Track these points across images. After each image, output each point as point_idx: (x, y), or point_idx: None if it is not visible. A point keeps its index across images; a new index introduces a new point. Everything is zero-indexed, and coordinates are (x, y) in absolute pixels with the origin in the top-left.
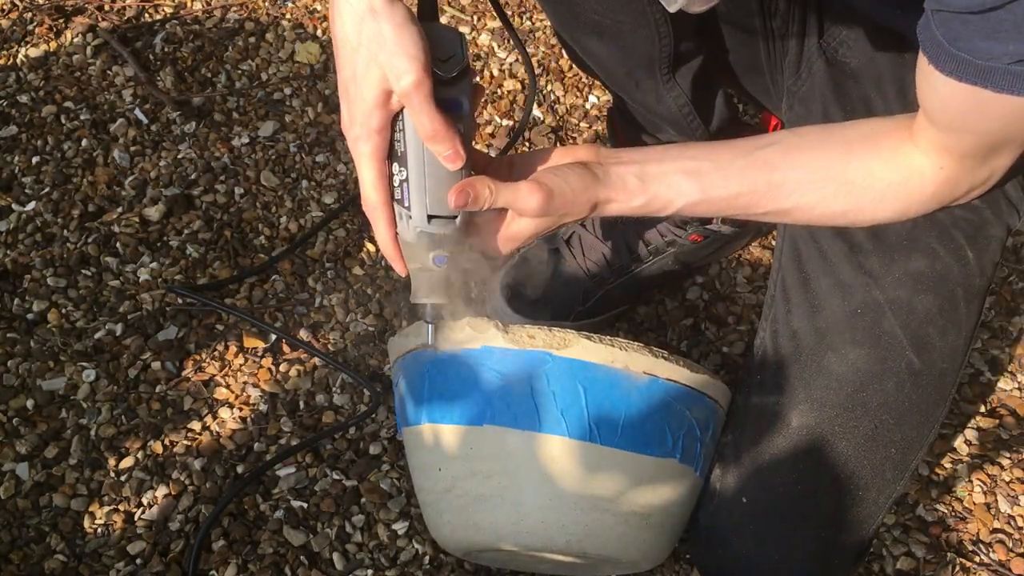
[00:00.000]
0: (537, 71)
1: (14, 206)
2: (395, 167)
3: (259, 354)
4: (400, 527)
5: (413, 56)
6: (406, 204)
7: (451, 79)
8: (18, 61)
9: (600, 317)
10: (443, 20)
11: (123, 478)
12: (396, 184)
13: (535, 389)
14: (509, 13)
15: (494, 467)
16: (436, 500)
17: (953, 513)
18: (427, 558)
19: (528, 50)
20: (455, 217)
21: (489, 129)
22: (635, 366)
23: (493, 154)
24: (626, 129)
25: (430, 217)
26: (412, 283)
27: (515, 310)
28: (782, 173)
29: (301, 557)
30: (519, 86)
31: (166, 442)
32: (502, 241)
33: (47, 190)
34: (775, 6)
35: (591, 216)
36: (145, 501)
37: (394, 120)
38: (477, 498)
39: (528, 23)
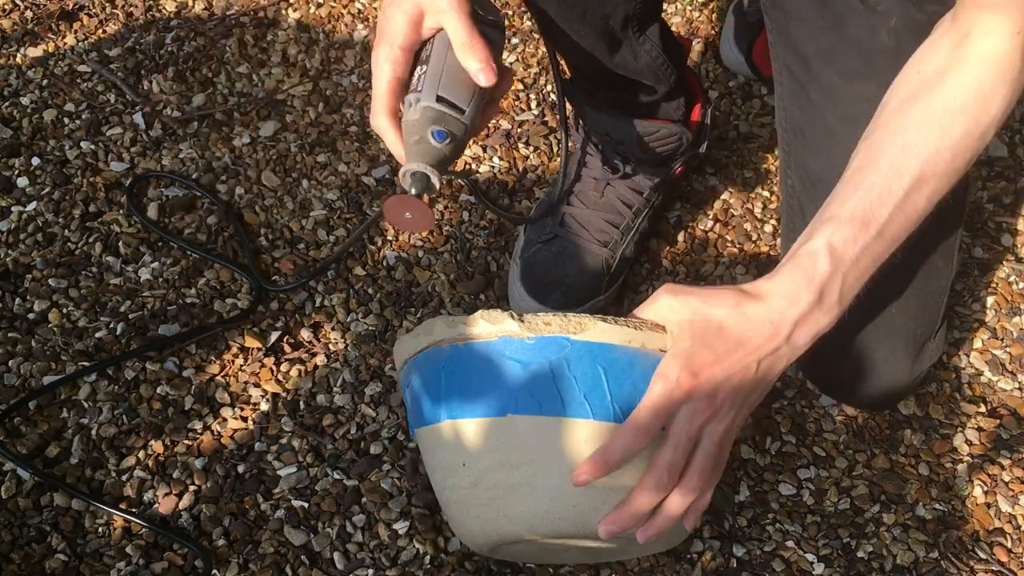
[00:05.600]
0: (537, 71)
1: (14, 207)
2: (417, 70)
3: (259, 354)
4: (401, 527)
5: None
6: (419, 89)
7: (488, 21)
8: (18, 61)
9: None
10: None
11: (124, 478)
12: (415, 80)
13: (556, 375)
14: (509, 13)
15: (521, 456)
16: (462, 497)
17: (953, 513)
18: (428, 558)
19: (528, 49)
20: (464, 111)
21: (487, 130)
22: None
23: (492, 155)
24: (589, 98)
25: (439, 98)
26: (406, 155)
27: (539, 300)
28: (883, 160)
29: (302, 557)
30: (520, 86)
31: (167, 442)
32: None
33: (48, 190)
34: None
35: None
36: (146, 501)
37: (422, 47)
38: (507, 489)
39: (528, 23)
